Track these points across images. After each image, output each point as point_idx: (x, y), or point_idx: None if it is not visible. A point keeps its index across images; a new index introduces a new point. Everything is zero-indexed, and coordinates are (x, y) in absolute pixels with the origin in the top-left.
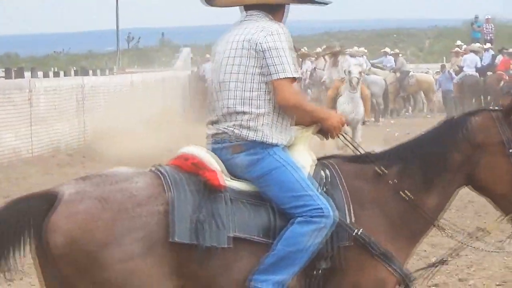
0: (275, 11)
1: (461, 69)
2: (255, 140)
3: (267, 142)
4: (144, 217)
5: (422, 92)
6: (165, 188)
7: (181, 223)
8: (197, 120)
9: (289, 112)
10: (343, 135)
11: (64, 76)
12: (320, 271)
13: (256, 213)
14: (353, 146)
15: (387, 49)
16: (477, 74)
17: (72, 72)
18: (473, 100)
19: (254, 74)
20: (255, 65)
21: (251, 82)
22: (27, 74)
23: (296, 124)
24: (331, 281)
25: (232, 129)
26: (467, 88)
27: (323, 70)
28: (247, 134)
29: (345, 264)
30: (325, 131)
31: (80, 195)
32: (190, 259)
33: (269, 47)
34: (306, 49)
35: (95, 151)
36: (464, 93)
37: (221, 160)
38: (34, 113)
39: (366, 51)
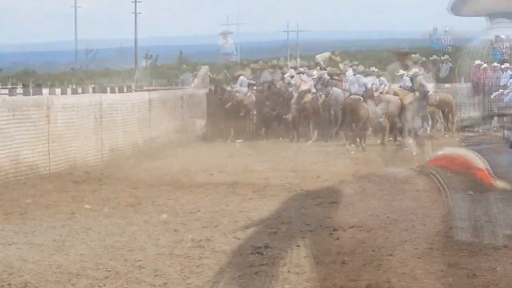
0: None
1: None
2: None
3: None
4: (422, 220)
5: (440, 112)
6: (440, 189)
7: (462, 222)
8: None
9: None
10: None
11: (82, 93)
12: None
13: None
14: None
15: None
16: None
17: (90, 89)
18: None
19: None
20: None
21: None
22: (45, 90)
23: None
24: None
25: (493, 131)
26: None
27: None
28: (509, 135)
29: None
30: None
31: None
32: (455, 257)
33: None
34: (262, 61)
35: (113, 169)
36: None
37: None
38: (51, 130)
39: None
